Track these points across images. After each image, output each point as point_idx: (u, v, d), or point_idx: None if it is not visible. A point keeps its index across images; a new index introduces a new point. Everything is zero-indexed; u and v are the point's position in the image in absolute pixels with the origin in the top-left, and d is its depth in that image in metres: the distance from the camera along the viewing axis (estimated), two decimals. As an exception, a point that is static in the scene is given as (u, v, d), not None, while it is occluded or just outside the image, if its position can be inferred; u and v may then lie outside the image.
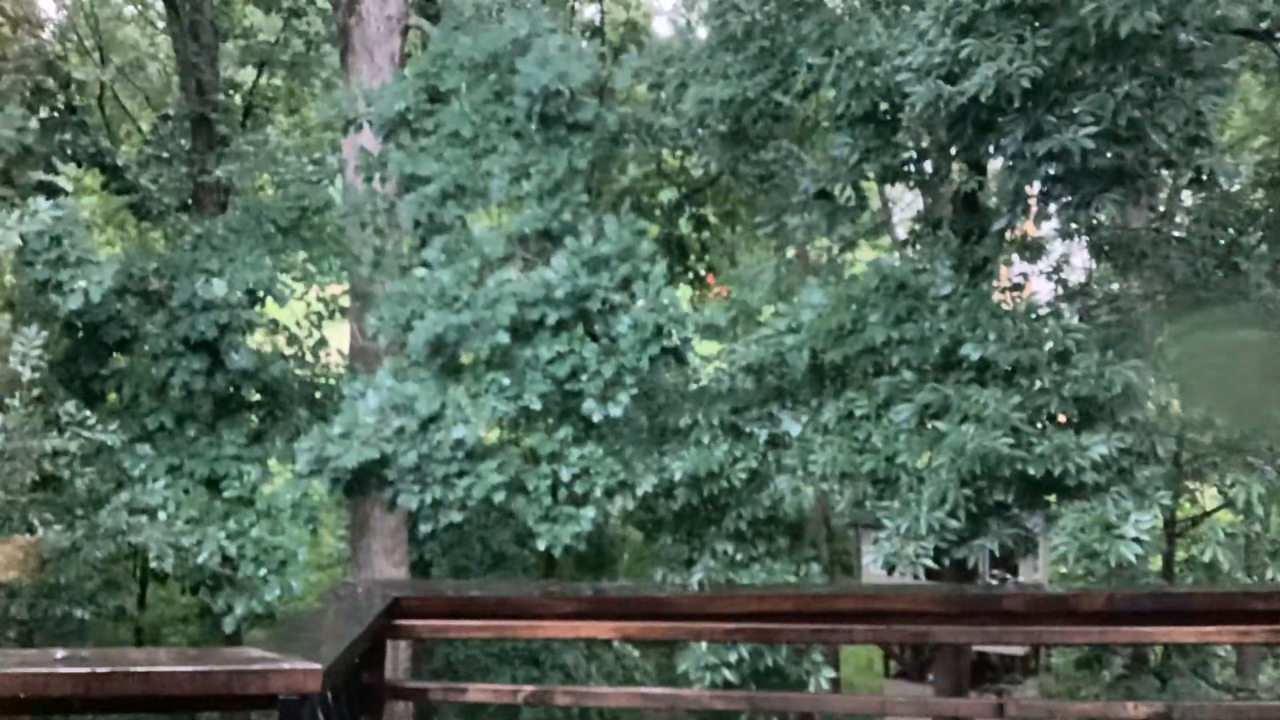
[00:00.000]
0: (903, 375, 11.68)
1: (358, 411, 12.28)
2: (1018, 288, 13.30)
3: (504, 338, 11.94)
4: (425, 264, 12.55)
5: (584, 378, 11.97)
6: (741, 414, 12.70)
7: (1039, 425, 11.20)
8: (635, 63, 13.82)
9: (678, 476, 12.14)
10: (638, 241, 12.44)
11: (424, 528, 12.82)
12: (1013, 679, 21.75)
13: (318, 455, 12.25)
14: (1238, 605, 3.80)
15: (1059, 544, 10.70)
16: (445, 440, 11.94)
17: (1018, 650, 21.24)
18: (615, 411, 11.98)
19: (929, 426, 11.31)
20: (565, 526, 12.24)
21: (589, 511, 12.31)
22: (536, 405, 12.12)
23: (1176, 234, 14.06)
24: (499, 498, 12.11)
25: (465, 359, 12.61)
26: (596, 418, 12.03)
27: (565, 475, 12.29)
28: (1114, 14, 9.60)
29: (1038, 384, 11.34)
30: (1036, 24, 10.30)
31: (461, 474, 12.09)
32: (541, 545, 12.40)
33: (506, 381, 12.13)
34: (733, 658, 12.21)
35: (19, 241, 12.97)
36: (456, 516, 12.30)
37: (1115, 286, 13.92)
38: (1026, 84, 9.95)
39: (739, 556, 12.90)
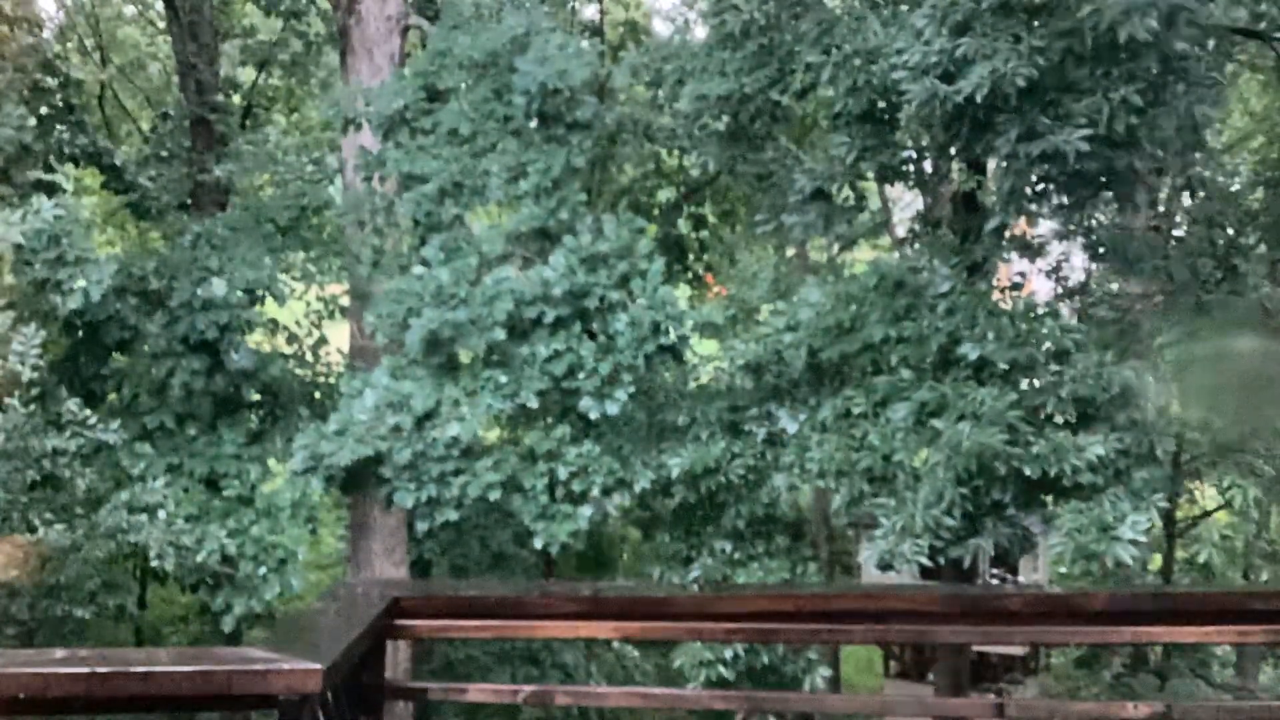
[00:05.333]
0: (900, 373, 11.69)
1: (353, 409, 12.27)
2: (1016, 287, 13.30)
3: (500, 334, 11.95)
4: (424, 262, 12.55)
5: (581, 375, 11.98)
6: (740, 412, 12.71)
7: (1036, 425, 11.20)
8: (634, 60, 13.83)
9: (675, 473, 12.15)
10: (636, 240, 12.45)
11: (420, 525, 12.81)
12: (1013, 679, 21.77)
13: (312, 452, 12.25)
14: (1237, 605, 3.79)
15: (1056, 544, 10.71)
16: (441, 438, 11.94)
17: (1018, 650, 21.25)
18: (612, 409, 11.99)
19: (926, 425, 11.31)
20: (562, 524, 12.24)
21: (586, 510, 12.31)
22: (534, 403, 12.12)
23: (1175, 234, 14.06)
24: (495, 495, 12.10)
25: (463, 357, 12.61)
26: (594, 415, 12.05)
27: (562, 473, 12.30)
28: (1112, 18, 9.60)
29: (1035, 383, 11.34)
30: (1033, 25, 10.30)
31: (457, 472, 12.09)
32: (538, 543, 12.40)
33: (504, 379, 12.13)
34: (729, 654, 12.22)
35: (20, 239, 12.96)
36: (452, 514, 12.29)
37: (1114, 286, 13.92)
38: (1022, 84, 9.95)
39: (737, 555, 12.91)
